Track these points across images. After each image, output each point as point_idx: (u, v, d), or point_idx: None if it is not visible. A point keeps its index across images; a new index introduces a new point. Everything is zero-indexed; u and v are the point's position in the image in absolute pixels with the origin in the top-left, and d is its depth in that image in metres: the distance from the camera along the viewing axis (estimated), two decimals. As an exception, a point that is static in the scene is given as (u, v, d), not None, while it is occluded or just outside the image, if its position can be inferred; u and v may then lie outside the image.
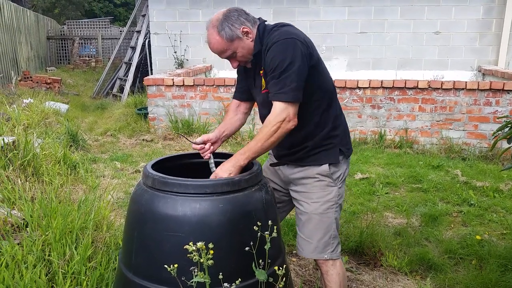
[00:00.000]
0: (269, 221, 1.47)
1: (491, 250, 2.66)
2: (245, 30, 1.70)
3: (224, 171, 1.64)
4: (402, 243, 2.83)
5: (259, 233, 1.42)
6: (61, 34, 15.46)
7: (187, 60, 8.01)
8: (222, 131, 1.96)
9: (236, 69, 1.97)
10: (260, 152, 1.69)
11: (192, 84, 5.55)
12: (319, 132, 1.84)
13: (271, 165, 2.00)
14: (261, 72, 1.77)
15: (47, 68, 13.19)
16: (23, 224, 2.46)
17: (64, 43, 15.17)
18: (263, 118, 1.82)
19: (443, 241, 2.88)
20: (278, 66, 1.63)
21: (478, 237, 2.89)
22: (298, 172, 1.89)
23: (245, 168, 1.68)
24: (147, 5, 8.52)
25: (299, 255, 2.02)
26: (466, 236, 2.94)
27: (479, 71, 7.26)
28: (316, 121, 1.82)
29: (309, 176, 1.85)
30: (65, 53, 15.18)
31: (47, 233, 2.24)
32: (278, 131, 1.65)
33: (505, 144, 1.96)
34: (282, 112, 1.64)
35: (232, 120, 2.01)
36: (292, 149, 1.87)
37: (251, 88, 1.90)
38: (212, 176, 1.67)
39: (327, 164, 1.84)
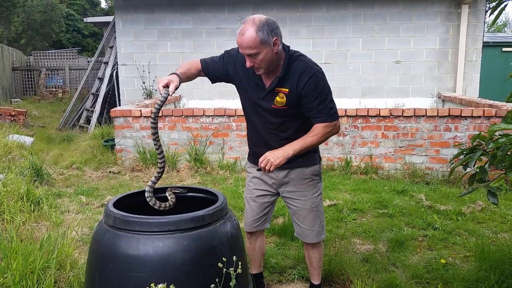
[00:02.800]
0: (234, 257, 1.47)
1: (455, 274, 2.72)
2: (276, 41, 1.93)
3: (273, 155, 1.95)
4: (370, 270, 2.86)
5: (224, 270, 1.42)
6: (27, 65, 15.15)
7: (156, 90, 8.00)
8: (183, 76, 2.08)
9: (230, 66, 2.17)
10: (309, 148, 2.06)
11: (161, 114, 5.54)
12: None
13: (259, 170, 2.21)
14: (281, 90, 2.03)
15: (12, 99, 12.86)
16: (-20, 266, 2.35)
17: (30, 74, 14.85)
18: (271, 125, 2.13)
19: (410, 266, 2.93)
20: (322, 93, 2.01)
21: (443, 260, 2.96)
22: (292, 174, 2.23)
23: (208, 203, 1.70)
24: (115, 37, 8.53)
25: (304, 242, 2.39)
26: (431, 260, 3.00)
27: (439, 97, 7.59)
28: (308, 130, 2.14)
29: (303, 177, 2.23)
30: (31, 84, 14.85)
31: (5, 276, 2.15)
32: (328, 134, 2.07)
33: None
34: (335, 123, 2.07)
35: (193, 76, 2.18)
36: None
37: (248, 94, 2.14)
38: (261, 157, 1.98)
39: (318, 164, 2.28)
